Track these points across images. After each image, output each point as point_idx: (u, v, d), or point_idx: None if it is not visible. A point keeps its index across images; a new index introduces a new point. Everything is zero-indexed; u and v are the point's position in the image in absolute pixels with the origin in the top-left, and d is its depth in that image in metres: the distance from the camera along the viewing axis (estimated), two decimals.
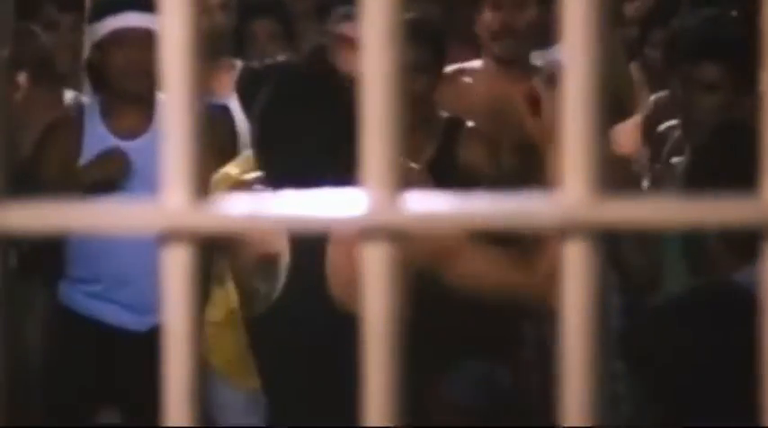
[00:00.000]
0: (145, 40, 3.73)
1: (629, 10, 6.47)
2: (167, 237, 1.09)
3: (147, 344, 3.36)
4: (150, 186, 3.27)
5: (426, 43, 4.85)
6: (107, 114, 4.05)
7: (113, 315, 4.02)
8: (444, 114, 5.19)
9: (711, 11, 5.21)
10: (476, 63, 5.51)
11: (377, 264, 1.10)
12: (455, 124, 5.13)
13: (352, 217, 1.09)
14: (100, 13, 3.99)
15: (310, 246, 3.32)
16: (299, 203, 1.11)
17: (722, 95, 4.38)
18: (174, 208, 1.09)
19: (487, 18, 5.28)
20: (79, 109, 4.30)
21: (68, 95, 5.07)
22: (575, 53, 1.08)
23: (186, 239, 1.10)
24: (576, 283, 1.12)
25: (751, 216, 1.10)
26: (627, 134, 5.28)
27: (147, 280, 3.72)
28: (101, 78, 3.97)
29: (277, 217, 1.13)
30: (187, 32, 1.07)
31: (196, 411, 1.15)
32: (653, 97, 5.51)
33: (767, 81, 1.11)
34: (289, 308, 3.52)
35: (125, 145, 4.31)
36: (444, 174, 4.44)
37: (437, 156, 4.81)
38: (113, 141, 4.37)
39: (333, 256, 3.40)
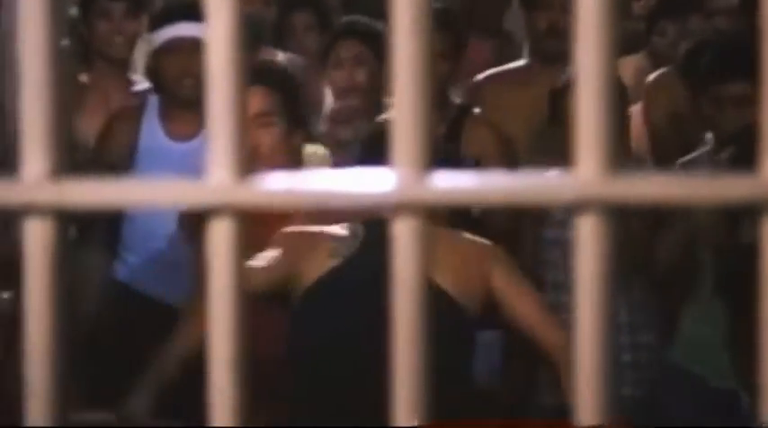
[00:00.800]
0: (197, 49, 3.93)
1: (637, 7, 6.79)
2: (213, 213, 1.18)
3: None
4: None
5: (448, 32, 5.01)
6: (163, 115, 4.28)
7: (158, 290, 4.19)
8: (456, 100, 5.35)
9: (723, 23, 5.37)
10: (519, 62, 5.73)
11: (406, 239, 1.19)
12: (464, 111, 5.27)
13: (383, 193, 1.18)
14: (157, 23, 4.25)
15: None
16: (334, 181, 1.20)
17: (750, 108, 4.43)
18: (218, 184, 1.18)
19: (536, 18, 5.45)
20: (143, 99, 4.50)
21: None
22: (588, 42, 1.17)
23: (230, 214, 1.19)
24: (589, 256, 1.21)
25: (751, 192, 1.19)
26: (635, 118, 5.43)
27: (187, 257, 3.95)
28: (158, 83, 4.20)
29: (313, 193, 1.22)
30: (231, 24, 1.16)
31: (241, 382, 1.24)
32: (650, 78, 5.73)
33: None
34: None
35: (176, 146, 4.53)
36: (447, 158, 4.57)
37: (443, 140, 4.94)
38: (165, 141, 4.62)
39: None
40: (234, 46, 1.18)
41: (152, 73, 4.53)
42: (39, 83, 1.20)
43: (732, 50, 4.70)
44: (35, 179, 1.19)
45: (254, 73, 3.80)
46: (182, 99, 4.12)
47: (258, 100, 3.77)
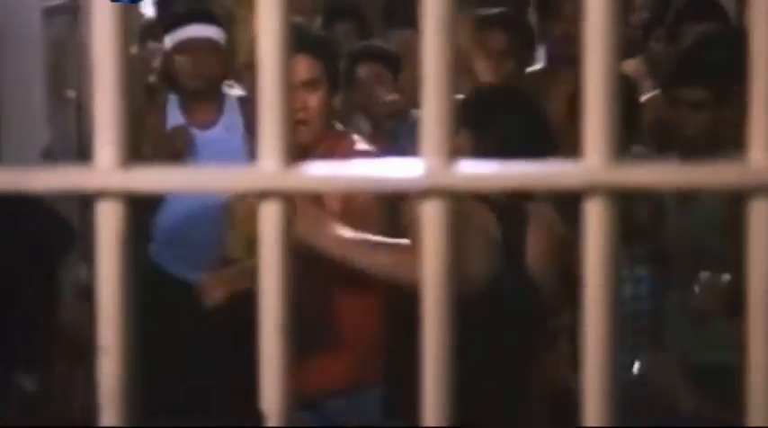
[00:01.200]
0: (206, 47, 4.48)
1: (633, 18, 7.16)
2: (264, 197, 1.31)
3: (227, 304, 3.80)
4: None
5: (515, 34, 5.41)
6: (183, 108, 4.58)
7: (192, 273, 4.38)
8: None
9: (701, 31, 5.53)
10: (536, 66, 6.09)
11: (434, 220, 1.33)
12: None
13: (413, 178, 1.32)
14: (168, 26, 4.60)
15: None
16: (370, 168, 1.33)
17: (708, 114, 4.53)
18: (268, 171, 1.32)
19: (551, 26, 5.79)
20: (164, 98, 4.79)
21: None
22: (595, 46, 1.31)
23: (279, 198, 1.33)
24: (596, 238, 1.34)
25: (741, 179, 1.32)
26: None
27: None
28: (173, 80, 4.52)
29: (352, 178, 1.35)
30: (281, 30, 1.30)
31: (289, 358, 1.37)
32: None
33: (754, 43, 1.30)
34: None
35: (200, 134, 4.85)
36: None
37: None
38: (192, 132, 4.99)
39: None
40: (283, 49, 1.32)
41: (167, 71, 4.86)
42: (109, 85, 1.34)
43: (692, 57, 4.86)
44: (106, 166, 1.34)
45: (300, 41, 4.12)
46: (195, 92, 4.43)
47: (304, 67, 4.01)
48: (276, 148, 1.30)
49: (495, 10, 5.62)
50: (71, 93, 5.63)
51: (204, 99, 4.70)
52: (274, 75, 1.31)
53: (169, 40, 4.71)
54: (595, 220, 1.32)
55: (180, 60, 4.63)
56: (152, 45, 5.80)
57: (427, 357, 1.34)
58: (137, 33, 6.43)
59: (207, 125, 4.85)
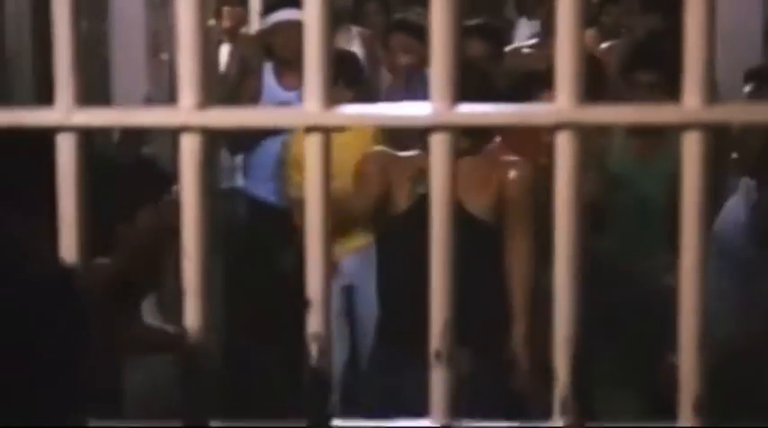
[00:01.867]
0: (294, 27, 4.90)
1: None
2: (308, 130, 1.50)
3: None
4: None
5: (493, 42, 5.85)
6: (277, 73, 5.05)
7: (267, 195, 4.82)
8: None
9: (652, 24, 5.73)
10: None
11: (441, 149, 1.49)
12: None
13: (423, 115, 1.49)
14: (267, 10, 5.17)
15: None
16: (393, 109, 1.51)
17: (660, 94, 4.59)
18: (311, 110, 1.49)
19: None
20: (261, 65, 5.29)
21: None
22: (565, 16, 1.48)
23: (321, 132, 1.50)
24: (566, 168, 1.47)
25: (678, 117, 1.48)
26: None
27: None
28: (269, 51, 5.06)
29: (375, 115, 1.54)
30: (322, 9, 1.48)
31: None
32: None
33: None
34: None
35: (288, 95, 5.50)
36: None
37: None
38: (279, 91, 5.61)
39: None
40: (324, 22, 1.50)
41: (265, 44, 5.30)
42: (190, 43, 1.52)
43: (644, 44, 5.05)
44: (187, 106, 1.50)
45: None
46: (286, 60, 4.88)
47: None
48: (318, 94, 1.49)
49: (473, 21, 5.89)
50: (165, 56, 5.99)
51: (291, 67, 5.20)
52: (317, 38, 1.49)
53: (267, 21, 5.33)
54: (564, 151, 1.47)
55: (276, 37, 5.20)
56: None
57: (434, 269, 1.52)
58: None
59: (293, 87, 5.35)
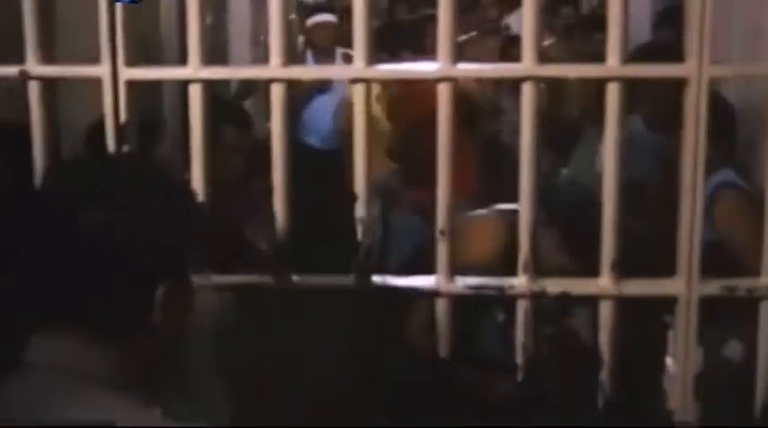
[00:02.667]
0: (328, 26, 5.64)
1: None
2: (353, 82, 1.84)
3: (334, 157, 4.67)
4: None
5: None
6: (314, 59, 5.55)
7: (309, 139, 5.27)
8: None
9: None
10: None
11: (445, 95, 1.80)
12: None
13: (430, 70, 1.81)
14: (308, 14, 5.88)
15: None
16: (405, 66, 1.87)
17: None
18: (358, 67, 1.82)
19: None
20: (305, 52, 5.68)
21: None
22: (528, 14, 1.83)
23: (363, 83, 1.86)
24: (528, 114, 1.78)
25: (603, 72, 1.82)
26: None
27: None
28: (310, 43, 5.59)
29: (402, 70, 1.90)
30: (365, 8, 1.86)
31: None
32: None
33: None
34: None
35: None
36: None
37: None
38: None
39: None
40: (368, 6, 1.86)
41: (307, 38, 5.95)
42: (277, 21, 1.89)
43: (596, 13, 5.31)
44: (275, 65, 1.83)
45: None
46: (322, 50, 5.40)
47: None
48: (362, 54, 1.86)
49: None
50: (262, 38, 6.52)
51: (325, 53, 5.63)
52: (362, 22, 1.87)
53: (309, 21, 5.83)
54: (528, 100, 1.78)
55: (314, 33, 5.71)
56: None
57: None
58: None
59: (329, 56, 5.69)
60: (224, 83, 2.81)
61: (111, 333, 1.25)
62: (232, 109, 3.22)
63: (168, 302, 1.27)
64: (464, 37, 6.30)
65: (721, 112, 3.08)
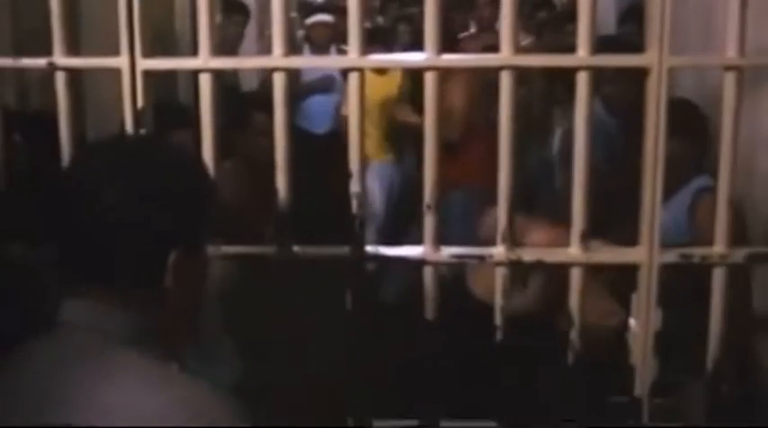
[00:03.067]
0: (325, 25, 5.65)
1: None
2: (349, 71, 1.92)
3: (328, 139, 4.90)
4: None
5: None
6: (312, 53, 5.61)
7: (309, 126, 5.34)
8: None
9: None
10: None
11: (431, 83, 1.86)
12: None
13: (419, 59, 1.86)
14: (308, 14, 5.92)
15: None
16: (395, 56, 1.93)
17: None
18: (353, 57, 1.91)
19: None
20: (302, 49, 5.76)
21: None
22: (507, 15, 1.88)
23: (357, 72, 1.93)
24: (506, 101, 1.84)
25: (575, 62, 1.89)
26: None
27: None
28: (309, 40, 5.73)
29: (390, 60, 1.97)
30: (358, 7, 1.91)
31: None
32: None
33: None
34: None
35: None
36: None
37: None
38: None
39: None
40: (359, 20, 1.93)
41: (307, 35, 5.92)
42: (279, 15, 1.95)
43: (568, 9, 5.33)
44: (278, 55, 1.88)
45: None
46: (319, 46, 5.60)
47: None
48: (357, 45, 1.94)
49: None
50: (267, 32, 6.57)
51: (322, 50, 5.65)
52: (354, 17, 1.93)
53: (308, 21, 5.87)
54: (506, 87, 1.83)
55: (312, 30, 5.76)
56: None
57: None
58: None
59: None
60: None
61: (128, 293, 1.31)
62: (261, 96, 3.32)
63: (181, 268, 1.33)
64: (464, 34, 6.39)
65: (696, 123, 3.15)
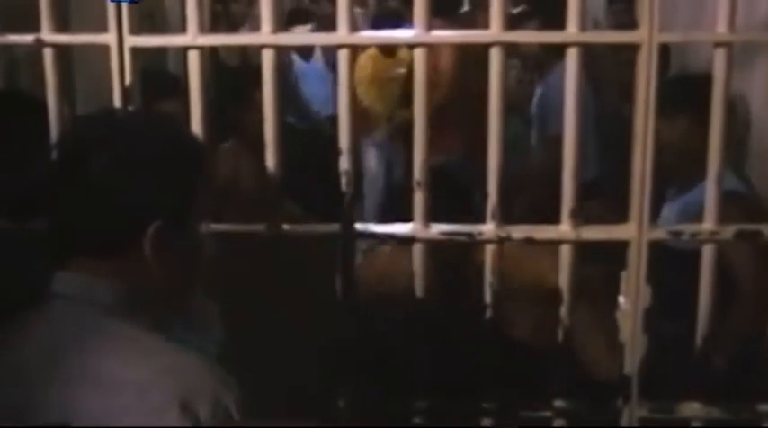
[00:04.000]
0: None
1: None
2: (340, 47, 1.90)
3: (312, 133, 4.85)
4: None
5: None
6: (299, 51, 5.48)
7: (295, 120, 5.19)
8: None
9: None
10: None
11: (419, 59, 1.85)
12: None
13: (409, 35, 1.86)
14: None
15: None
16: (384, 33, 1.92)
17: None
18: (342, 34, 1.89)
19: None
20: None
21: None
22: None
23: (348, 48, 1.92)
24: (497, 81, 1.85)
25: (562, 38, 1.88)
26: None
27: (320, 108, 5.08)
28: None
29: (381, 36, 1.95)
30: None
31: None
32: None
33: None
34: None
35: (302, 62, 5.56)
36: None
37: None
38: (299, 60, 5.59)
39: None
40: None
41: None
42: (269, 12, 1.94)
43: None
44: (266, 32, 1.87)
45: None
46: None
47: None
48: (345, 26, 1.92)
49: None
50: (256, 12, 6.52)
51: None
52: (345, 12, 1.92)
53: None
54: (495, 63, 1.83)
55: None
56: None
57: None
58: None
59: (307, 57, 5.59)
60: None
61: (115, 264, 1.33)
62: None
63: (162, 239, 1.34)
64: (465, 8, 6.30)
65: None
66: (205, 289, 1.50)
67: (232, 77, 3.32)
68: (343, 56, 1.89)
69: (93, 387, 1.27)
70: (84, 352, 1.30)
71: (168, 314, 1.40)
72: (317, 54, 5.61)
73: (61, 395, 1.27)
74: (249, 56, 5.34)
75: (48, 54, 1.93)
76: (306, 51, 5.57)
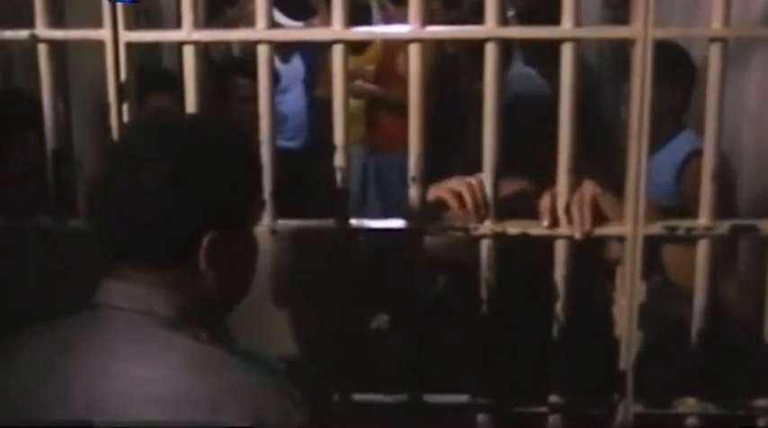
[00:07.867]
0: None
1: None
2: (333, 43, 1.89)
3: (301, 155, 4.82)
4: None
5: None
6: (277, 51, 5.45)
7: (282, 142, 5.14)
8: None
9: None
10: None
11: (415, 57, 1.85)
12: None
13: (404, 31, 1.84)
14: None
15: None
16: (380, 28, 1.90)
17: None
18: (336, 29, 1.89)
19: None
20: None
21: None
22: None
23: (342, 44, 1.91)
24: (492, 75, 1.88)
25: (558, 34, 1.86)
26: None
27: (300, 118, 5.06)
28: None
29: (375, 32, 1.94)
30: None
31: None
32: None
33: None
34: None
35: (281, 64, 5.38)
36: None
37: None
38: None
39: None
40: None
41: None
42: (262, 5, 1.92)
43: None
44: (261, 28, 1.84)
45: None
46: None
47: None
48: (339, 20, 1.91)
49: None
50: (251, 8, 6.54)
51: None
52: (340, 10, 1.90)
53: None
54: (491, 58, 1.80)
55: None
56: None
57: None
58: None
59: (286, 57, 5.40)
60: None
61: (166, 275, 1.30)
62: (240, 61, 3.30)
63: (216, 251, 1.32)
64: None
65: (684, 69, 3.06)
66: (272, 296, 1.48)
67: (215, 69, 3.29)
68: (337, 51, 1.88)
69: (161, 403, 1.24)
70: (142, 365, 1.27)
71: (223, 324, 1.38)
72: (296, 56, 5.45)
73: (120, 409, 1.25)
74: (232, 48, 5.32)
75: (42, 50, 1.92)
76: (284, 52, 5.44)
